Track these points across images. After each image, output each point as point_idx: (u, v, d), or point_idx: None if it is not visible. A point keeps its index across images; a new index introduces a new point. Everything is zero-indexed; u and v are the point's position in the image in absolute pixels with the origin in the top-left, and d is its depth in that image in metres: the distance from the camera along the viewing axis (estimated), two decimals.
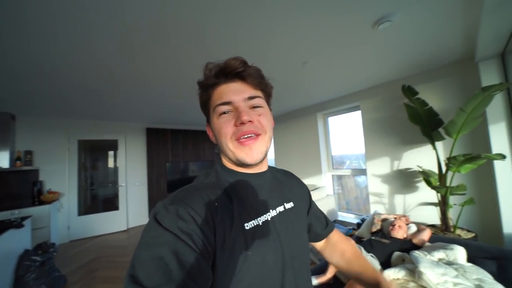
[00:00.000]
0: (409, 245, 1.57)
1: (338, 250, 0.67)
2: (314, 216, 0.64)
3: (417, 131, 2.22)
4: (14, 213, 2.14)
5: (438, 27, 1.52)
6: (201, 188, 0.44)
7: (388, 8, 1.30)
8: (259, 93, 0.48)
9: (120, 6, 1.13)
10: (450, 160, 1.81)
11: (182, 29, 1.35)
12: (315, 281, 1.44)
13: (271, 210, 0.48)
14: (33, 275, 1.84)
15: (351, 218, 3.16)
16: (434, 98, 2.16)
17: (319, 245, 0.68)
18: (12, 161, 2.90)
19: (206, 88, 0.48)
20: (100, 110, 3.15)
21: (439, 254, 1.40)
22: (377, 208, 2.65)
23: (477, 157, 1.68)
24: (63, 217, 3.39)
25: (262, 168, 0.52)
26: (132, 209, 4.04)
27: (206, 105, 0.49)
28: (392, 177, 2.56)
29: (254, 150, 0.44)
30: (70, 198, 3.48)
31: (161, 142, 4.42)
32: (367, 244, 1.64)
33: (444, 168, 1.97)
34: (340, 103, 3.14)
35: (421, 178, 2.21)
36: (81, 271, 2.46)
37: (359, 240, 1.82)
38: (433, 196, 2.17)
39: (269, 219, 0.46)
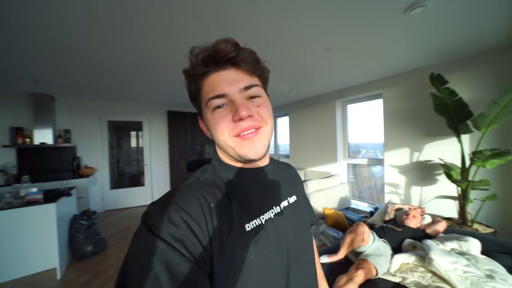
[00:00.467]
0: (421, 234, 1.63)
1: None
2: (307, 207, 0.61)
3: (442, 122, 2.14)
4: (63, 183, 2.47)
5: (478, 10, 1.41)
6: (196, 187, 0.40)
7: None
8: (255, 80, 0.42)
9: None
10: (476, 154, 1.77)
11: (205, 13, 1.39)
12: (327, 259, 1.57)
13: (274, 207, 0.45)
14: (82, 236, 2.17)
15: (364, 207, 3.22)
16: (464, 89, 2.05)
17: None
18: (55, 138, 3.25)
19: (195, 78, 0.41)
20: (127, 92, 3.35)
21: (452, 244, 1.45)
22: (392, 198, 2.68)
23: (506, 153, 1.63)
24: (98, 190, 3.80)
25: (264, 162, 0.48)
26: (156, 186, 4.40)
27: (196, 98, 0.43)
28: (411, 168, 2.53)
29: (257, 144, 0.40)
30: (103, 173, 3.87)
31: (181, 124, 4.62)
32: (380, 230, 1.72)
33: (468, 162, 1.92)
34: (361, 91, 3.05)
35: (442, 171, 2.18)
36: (116, 236, 2.83)
37: (371, 227, 1.90)
38: (452, 189, 2.15)
39: (272, 216, 0.43)
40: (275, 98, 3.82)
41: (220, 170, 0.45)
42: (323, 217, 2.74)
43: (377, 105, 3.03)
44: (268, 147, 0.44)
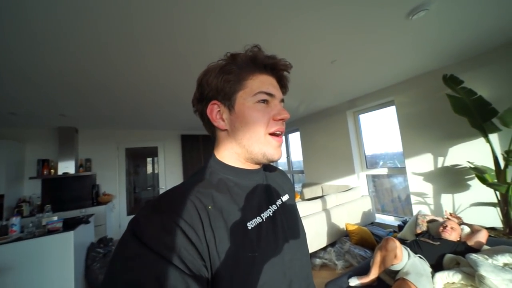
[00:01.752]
0: (463, 248, 1.44)
1: None
2: None
3: (464, 123, 2.02)
4: (82, 211, 2.52)
5: (483, 7, 1.39)
6: (191, 189, 0.37)
7: None
8: None
9: (157, 24, 1.30)
10: (510, 154, 1.61)
11: (217, 36, 1.49)
12: (357, 281, 1.41)
13: (271, 205, 0.46)
14: (98, 265, 2.14)
15: (390, 220, 2.96)
16: (482, 86, 1.95)
17: None
18: (77, 168, 3.42)
19: (246, 66, 0.43)
20: (143, 120, 3.54)
21: (504, 259, 1.26)
22: (421, 209, 2.45)
23: None
24: (115, 217, 3.84)
25: (260, 164, 0.49)
26: None
27: (234, 83, 0.42)
28: (437, 175, 2.35)
29: (280, 148, 0.45)
30: (120, 200, 3.93)
31: (194, 147, 4.73)
32: (413, 245, 1.55)
33: (502, 163, 1.75)
34: (372, 99, 3.01)
35: (473, 175, 2.00)
36: None
37: (402, 242, 1.72)
38: (490, 194, 1.94)
39: (271, 214, 0.44)
40: None
41: (218, 170, 0.44)
42: (346, 234, 2.54)
43: (391, 112, 2.95)
44: None
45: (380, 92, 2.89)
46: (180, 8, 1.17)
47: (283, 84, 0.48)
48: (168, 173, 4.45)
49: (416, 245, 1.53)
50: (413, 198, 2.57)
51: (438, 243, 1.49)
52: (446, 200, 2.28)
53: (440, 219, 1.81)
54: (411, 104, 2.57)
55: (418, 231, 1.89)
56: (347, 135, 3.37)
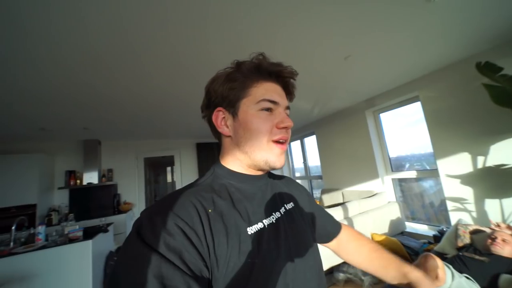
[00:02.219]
0: None
1: (354, 245, 0.62)
2: (322, 216, 0.61)
3: (507, 115, 1.74)
4: (102, 220, 2.61)
5: None
6: (192, 192, 0.39)
7: None
8: None
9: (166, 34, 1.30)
10: None
11: (224, 38, 1.46)
12: None
13: (274, 212, 0.45)
14: None
15: (423, 230, 2.64)
16: None
17: (332, 245, 0.63)
18: (100, 178, 3.60)
19: (251, 74, 0.44)
20: (159, 130, 3.65)
21: None
22: (460, 217, 2.14)
23: None
24: None
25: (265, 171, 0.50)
26: None
27: (239, 91, 0.44)
28: (477, 177, 2.05)
29: (283, 156, 0.45)
30: (139, 208, 4.04)
31: (209, 155, 4.76)
32: (456, 261, 1.31)
33: None
34: (393, 96, 2.78)
35: None
36: None
37: (442, 257, 1.48)
38: None
39: (274, 221, 0.43)
40: (297, 117, 3.73)
41: (222, 175, 0.45)
42: None
43: (415, 109, 2.70)
44: None
45: (402, 87, 2.66)
46: (182, 19, 1.15)
47: (289, 91, 0.49)
48: (184, 181, 4.51)
49: (460, 261, 1.30)
50: (450, 204, 2.26)
51: (488, 259, 1.25)
52: (492, 206, 1.97)
53: (487, 230, 1.55)
54: (439, 98, 2.32)
55: (460, 244, 1.63)
56: (367, 137, 3.14)
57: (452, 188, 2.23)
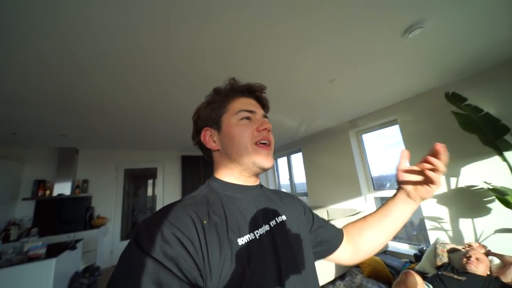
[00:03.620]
0: (497, 285, 1.23)
1: (356, 235, 0.60)
2: (322, 227, 0.61)
3: (475, 140, 1.91)
4: (70, 236, 2.37)
5: (481, 23, 1.39)
6: (189, 204, 0.41)
7: (418, 15, 1.26)
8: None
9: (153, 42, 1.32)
10: None
11: (212, 55, 1.50)
12: None
13: (265, 224, 0.46)
14: None
15: (404, 249, 2.69)
16: (488, 103, 1.89)
17: (341, 253, 0.60)
18: (73, 189, 3.33)
19: (226, 96, 0.51)
20: (143, 140, 3.52)
21: None
22: (438, 235, 2.22)
23: None
24: (108, 242, 3.61)
25: (257, 181, 0.53)
26: None
27: (219, 109, 0.50)
28: (452, 197, 2.17)
29: (270, 157, 0.48)
30: (114, 224, 3.74)
31: (194, 169, 4.63)
32: (436, 280, 1.34)
33: None
34: (374, 119, 2.96)
35: (494, 197, 1.82)
36: None
37: (423, 276, 1.50)
38: None
39: (264, 232, 0.44)
40: (284, 134, 3.82)
41: (215, 187, 0.48)
42: (357, 265, 2.28)
43: (394, 131, 2.88)
44: None
45: (382, 111, 2.85)
46: (177, 30, 1.19)
47: (263, 104, 0.55)
48: (166, 194, 4.31)
49: (439, 280, 1.33)
50: (428, 223, 2.35)
51: (465, 278, 1.28)
52: (466, 225, 2.07)
53: (462, 249, 1.61)
54: (415, 122, 2.51)
55: (439, 263, 1.67)
56: (351, 156, 3.26)
57: (430, 208, 2.33)
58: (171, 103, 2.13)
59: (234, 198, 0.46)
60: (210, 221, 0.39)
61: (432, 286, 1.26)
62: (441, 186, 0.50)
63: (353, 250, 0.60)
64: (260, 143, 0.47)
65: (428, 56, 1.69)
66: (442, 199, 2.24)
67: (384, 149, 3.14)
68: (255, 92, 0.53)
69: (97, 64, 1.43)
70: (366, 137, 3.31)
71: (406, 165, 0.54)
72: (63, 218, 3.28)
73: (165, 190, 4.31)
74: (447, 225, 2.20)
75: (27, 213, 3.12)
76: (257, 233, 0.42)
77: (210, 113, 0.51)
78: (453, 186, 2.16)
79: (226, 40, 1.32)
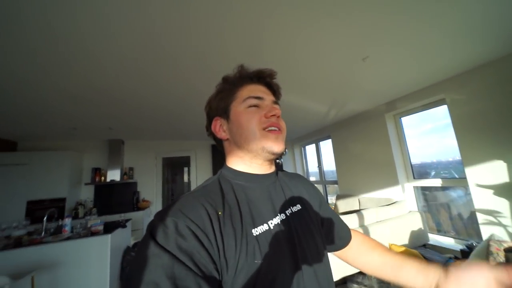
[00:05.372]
0: None
1: (365, 248, 0.58)
2: (334, 221, 0.59)
3: None
4: (121, 216, 2.77)
5: None
6: (203, 195, 0.41)
7: None
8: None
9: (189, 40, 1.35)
10: None
11: (239, 43, 1.48)
12: None
13: (280, 213, 0.45)
14: None
15: (449, 243, 2.42)
16: None
17: (343, 252, 0.60)
18: (122, 175, 3.82)
19: (234, 84, 0.50)
20: (176, 131, 3.79)
21: None
22: (493, 231, 1.94)
23: None
24: None
25: (271, 168, 0.51)
26: None
27: (227, 98, 0.49)
28: None
29: (280, 141, 0.46)
30: (156, 206, 4.22)
31: (223, 157, 4.83)
32: None
33: None
34: (416, 99, 2.61)
35: None
36: None
37: None
38: None
39: (279, 222, 0.43)
40: (312, 120, 3.66)
41: (228, 176, 0.48)
42: None
43: (441, 113, 2.51)
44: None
45: (426, 90, 2.49)
46: (203, 23, 1.19)
47: (273, 91, 0.52)
48: (199, 181, 4.62)
49: None
50: (480, 217, 2.05)
51: None
52: None
53: None
54: (469, 102, 2.13)
55: (492, 262, 1.46)
56: (387, 141, 2.97)
57: (484, 200, 2.03)
58: (197, 96, 2.21)
59: (247, 188, 0.45)
60: (225, 212, 0.39)
61: None
62: None
63: (352, 257, 0.59)
64: (269, 129, 0.45)
65: (492, 16, 1.35)
66: (502, 189, 1.91)
67: (429, 133, 2.78)
68: (264, 78, 0.51)
69: (135, 69, 1.56)
70: (406, 120, 2.96)
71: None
72: (115, 201, 3.82)
73: (198, 177, 4.64)
74: (506, 220, 1.89)
75: (89, 195, 3.73)
76: (271, 223, 0.42)
77: (219, 102, 0.50)
78: None
79: (249, 23, 1.27)
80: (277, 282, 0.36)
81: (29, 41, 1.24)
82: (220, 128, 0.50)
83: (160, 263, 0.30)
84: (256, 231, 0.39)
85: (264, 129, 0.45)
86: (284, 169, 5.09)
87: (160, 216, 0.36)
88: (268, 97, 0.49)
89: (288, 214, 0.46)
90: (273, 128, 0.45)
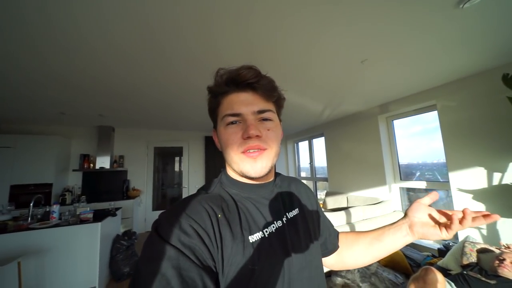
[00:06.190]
0: None
1: (350, 241, 0.62)
2: (327, 227, 0.61)
3: None
4: (111, 204, 2.74)
5: None
6: (204, 199, 0.42)
7: None
8: (270, 105, 0.46)
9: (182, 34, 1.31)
10: None
11: (234, 41, 1.45)
12: None
13: (276, 221, 0.46)
14: (121, 257, 2.27)
15: (428, 242, 2.58)
16: None
17: (331, 258, 0.62)
18: (111, 163, 3.74)
19: (216, 95, 0.47)
20: (168, 121, 3.72)
21: None
22: (468, 233, 2.08)
23: None
24: (141, 211, 4.09)
25: (268, 178, 0.51)
26: None
27: (214, 112, 0.48)
28: (492, 194, 1.96)
29: (259, 164, 0.42)
30: (147, 196, 4.19)
31: (217, 149, 4.80)
32: (461, 280, 1.28)
33: None
34: (409, 103, 2.68)
35: None
36: None
37: (445, 273, 1.45)
38: None
39: (274, 230, 0.44)
40: (307, 118, 3.69)
41: (227, 185, 0.48)
42: None
43: (431, 118, 2.60)
44: (271, 169, 0.46)
45: (419, 95, 2.56)
46: (196, 15, 1.16)
47: (262, 93, 0.45)
48: (191, 171, 4.61)
49: (463, 280, 1.27)
50: None
51: (494, 281, 1.21)
52: (505, 226, 1.89)
53: (496, 250, 1.49)
54: (458, 109, 2.22)
55: (465, 261, 1.58)
56: (378, 142, 3.06)
57: (463, 203, 2.15)
58: (184, 85, 2.15)
59: (245, 196, 0.46)
60: (224, 216, 0.41)
61: (455, 284, 1.21)
62: (449, 238, 0.47)
63: (338, 260, 0.61)
64: (248, 151, 0.42)
65: (486, 30, 1.41)
66: (480, 195, 2.04)
67: (418, 135, 2.88)
68: (243, 82, 0.43)
69: (124, 57, 1.50)
70: (397, 121, 3.05)
71: (427, 202, 0.52)
72: (105, 188, 3.75)
73: (190, 168, 4.62)
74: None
75: (77, 182, 3.64)
76: (266, 231, 0.43)
77: (211, 116, 0.51)
78: (495, 182, 1.94)
79: (242, 20, 1.25)
80: (272, 287, 0.38)
81: (22, 25, 1.18)
82: (216, 139, 0.51)
83: (166, 256, 0.32)
84: (252, 238, 0.41)
85: (242, 152, 0.42)
86: (276, 164, 5.15)
87: (165, 216, 0.38)
88: (249, 109, 0.43)
89: (284, 221, 0.47)
90: (251, 150, 0.42)
